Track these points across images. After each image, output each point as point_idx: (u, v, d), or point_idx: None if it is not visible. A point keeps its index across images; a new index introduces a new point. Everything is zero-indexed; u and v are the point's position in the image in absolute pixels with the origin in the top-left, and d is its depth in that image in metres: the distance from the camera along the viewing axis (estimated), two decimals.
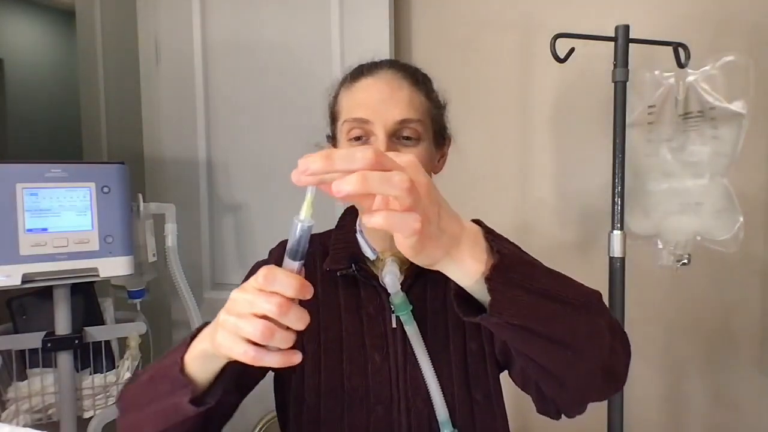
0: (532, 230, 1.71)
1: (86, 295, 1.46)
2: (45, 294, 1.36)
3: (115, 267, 1.32)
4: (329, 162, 0.41)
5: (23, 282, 1.23)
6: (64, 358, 1.35)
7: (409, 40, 1.81)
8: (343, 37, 1.69)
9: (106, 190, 1.31)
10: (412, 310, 0.77)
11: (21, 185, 1.23)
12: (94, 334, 1.39)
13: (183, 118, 1.85)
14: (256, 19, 1.78)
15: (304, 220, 0.48)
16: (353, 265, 0.80)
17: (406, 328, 0.77)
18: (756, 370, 1.52)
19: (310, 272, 0.83)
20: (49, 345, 1.32)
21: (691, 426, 1.60)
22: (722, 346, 1.55)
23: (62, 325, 1.34)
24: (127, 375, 1.44)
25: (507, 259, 0.49)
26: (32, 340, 1.33)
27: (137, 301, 1.51)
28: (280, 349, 0.49)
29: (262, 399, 0.87)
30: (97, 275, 1.30)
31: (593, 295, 0.60)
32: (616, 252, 1.27)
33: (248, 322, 0.48)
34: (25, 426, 1.33)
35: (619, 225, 1.27)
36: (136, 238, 1.42)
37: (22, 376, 1.37)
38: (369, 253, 0.83)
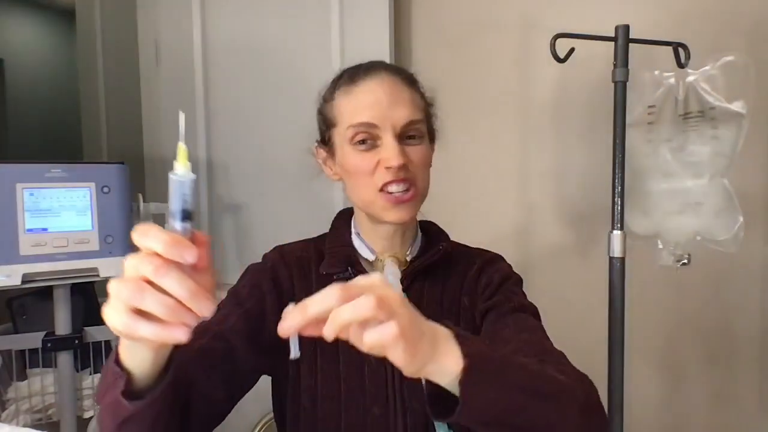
0: (532, 230, 1.70)
1: (86, 295, 1.46)
2: (45, 294, 1.36)
3: (115, 267, 1.32)
4: (304, 311, 0.47)
5: (23, 282, 1.23)
6: (64, 358, 1.35)
7: (409, 40, 1.81)
8: (343, 37, 1.69)
9: (106, 190, 1.31)
10: None
11: (21, 185, 1.23)
12: (94, 334, 1.40)
13: None
14: (256, 19, 1.78)
15: (183, 174, 0.45)
16: (349, 268, 0.80)
17: None
18: (756, 370, 1.52)
19: (306, 277, 0.84)
20: (49, 345, 1.32)
21: (691, 426, 1.60)
22: (722, 346, 1.54)
23: (62, 325, 1.34)
24: None
25: (476, 360, 0.52)
26: (32, 340, 1.34)
27: None
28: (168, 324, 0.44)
29: (261, 399, 0.87)
30: (97, 275, 1.30)
31: (565, 383, 0.60)
32: (616, 252, 1.27)
33: (124, 283, 0.44)
34: (25, 426, 1.33)
35: (619, 225, 1.27)
36: None
37: (22, 376, 1.38)
38: (367, 255, 0.83)
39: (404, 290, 0.79)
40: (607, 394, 1.27)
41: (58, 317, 1.34)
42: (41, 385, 1.36)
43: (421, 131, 0.78)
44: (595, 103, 1.56)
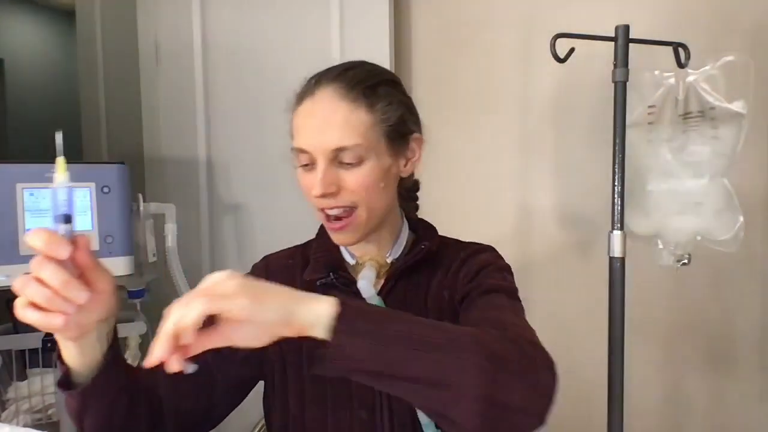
0: (532, 231, 1.71)
1: None
2: None
3: (115, 267, 1.31)
4: (158, 339, 0.50)
5: None
6: None
7: (409, 40, 1.81)
8: (343, 37, 1.69)
9: (106, 190, 1.31)
10: None
11: (21, 185, 1.23)
12: None
13: (183, 118, 1.84)
14: (256, 19, 1.78)
15: (60, 183, 0.55)
16: (331, 273, 0.80)
17: None
18: (756, 370, 1.52)
19: (290, 284, 0.83)
20: (49, 345, 1.32)
21: (691, 426, 1.60)
22: (722, 346, 1.55)
23: None
24: None
25: (351, 310, 0.54)
26: (32, 340, 1.33)
27: (137, 301, 1.51)
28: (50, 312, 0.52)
29: (260, 401, 0.87)
30: None
31: (469, 334, 0.58)
32: (616, 252, 1.27)
33: (20, 279, 0.52)
34: (25, 426, 1.33)
35: (619, 225, 1.27)
36: (136, 238, 1.42)
37: (22, 376, 1.37)
38: (349, 259, 0.83)
39: (388, 292, 0.79)
40: (607, 394, 1.27)
41: None
42: (41, 385, 1.36)
43: (357, 156, 0.72)
44: (595, 103, 1.56)
